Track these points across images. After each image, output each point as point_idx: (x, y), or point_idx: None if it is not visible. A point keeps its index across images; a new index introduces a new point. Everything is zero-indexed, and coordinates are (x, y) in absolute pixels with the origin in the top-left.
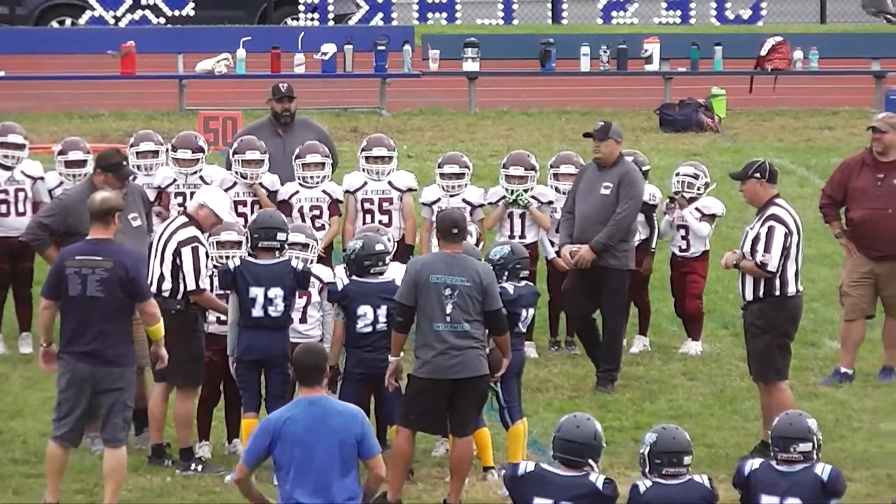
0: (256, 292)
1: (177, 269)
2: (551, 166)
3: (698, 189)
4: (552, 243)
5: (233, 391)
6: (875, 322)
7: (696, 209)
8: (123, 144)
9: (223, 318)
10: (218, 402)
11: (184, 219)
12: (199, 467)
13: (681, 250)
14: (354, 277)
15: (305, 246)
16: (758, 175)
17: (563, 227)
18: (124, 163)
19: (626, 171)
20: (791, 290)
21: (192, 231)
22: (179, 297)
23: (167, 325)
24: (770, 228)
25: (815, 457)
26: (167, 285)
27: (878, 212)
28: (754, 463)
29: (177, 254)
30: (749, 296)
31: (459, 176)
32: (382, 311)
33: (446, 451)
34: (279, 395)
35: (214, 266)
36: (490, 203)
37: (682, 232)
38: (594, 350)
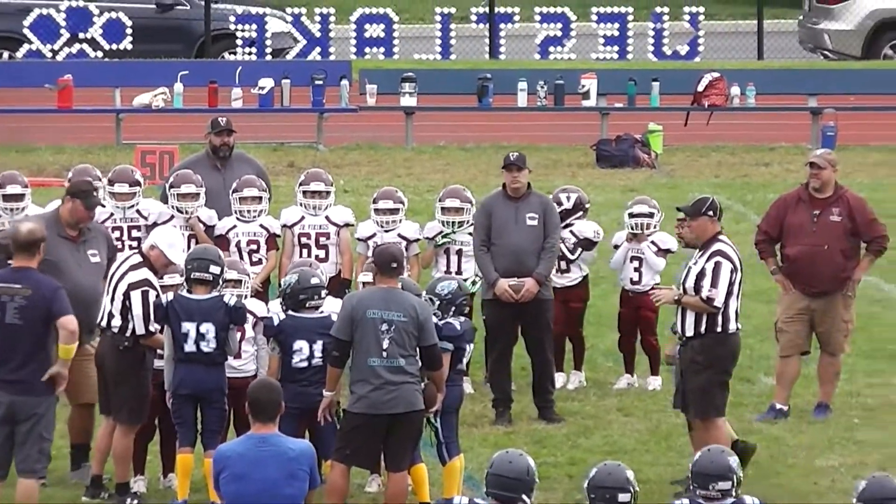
0: (188, 327)
1: (126, 309)
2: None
3: (653, 227)
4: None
5: (168, 425)
6: (810, 358)
7: (653, 243)
8: (61, 179)
9: (159, 351)
10: (153, 437)
11: (137, 258)
12: (135, 502)
13: (632, 282)
14: (290, 312)
15: (238, 282)
16: (710, 213)
17: (484, 261)
18: (94, 193)
19: (546, 200)
20: (732, 326)
21: (143, 273)
22: (128, 334)
23: (115, 362)
24: (717, 264)
25: (734, 494)
26: (116, 322)
27: (815, 248)
28: (684, 501)
29: (126, 296)
30: (689, 332)
31: (394, 211)
32: (318, 345)
33: (379, 486)
34: (215, 430)
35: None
36: (426, 238)
37: (636, 264)
38: (508, 382)
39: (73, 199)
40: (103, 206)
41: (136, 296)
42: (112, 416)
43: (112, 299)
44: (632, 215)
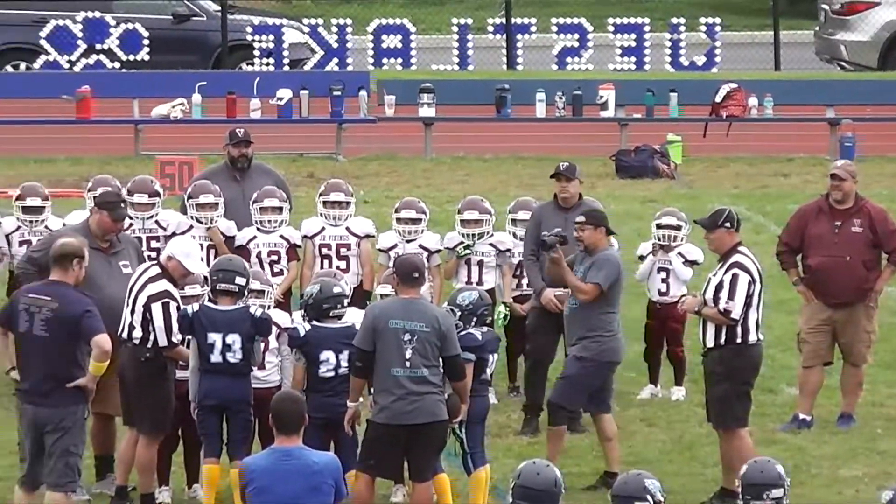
0: (214, 338)
1: (147, 321)
2: (510, 212)
3: (680, 238)
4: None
5: (192, 436)
6: (833, 368)
7: (680, 254)
8: (80, 189)
9: (181, 362)
10: (177, 448)
11: (156, 269)
12: None
13: (660, 293)
14: (314, 323)
15: (261, 293)
16: (727, 225)
17: (532, 270)
18: (122, 204)
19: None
20: (752, 337)
21: (162, 285)
22: (149, 345)
23: (137, 373)
24: (734, 276)
25: (784, 503)
26: (137, 334)
27: (836, 259)
28: None
29: (147, 308)
30: (710, 342)
31: (416, 221)
32: (344, 355)
33: (404, 496)
34: (241, 441)
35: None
36: (447, 248)
37: (663, 275)
38: (542, 391)
39: (101, 210)
40: (131, 217)
41: (156, 308)
42: (135, 427)
43: (132, 311)
44: (659, 226)
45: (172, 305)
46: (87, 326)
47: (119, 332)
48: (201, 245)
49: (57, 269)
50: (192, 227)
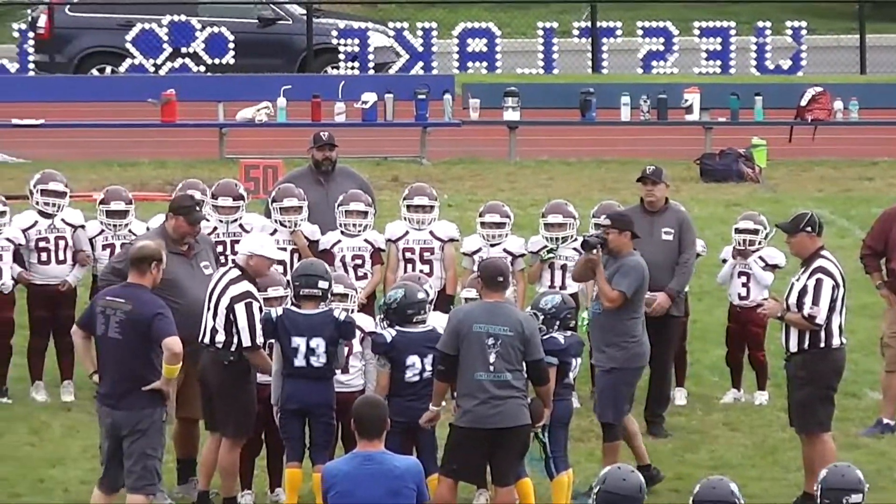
0: (298, 342)
1: (230, 323)
2: (593, 216)
3: (759, 243)
4: None
5: (275, 440)
6: None
7: (760, 258)
8: (164, 193)
9: (261, 368)
10: (260, 452)
11: (236, 272)
12: None
13: (740, 297)
14: (398, 327)
15: (344, 296)
16: (808, 229)
17: None
18: (197, 207)
19: (684, 216)
20: (835, 342)
21: (244, 286)
22: (233, 349)
23: (220, 377)
24: (818, 281)
25: None
26: (220, 338)
27: None
28: None
29: (230, 309)
30: (793, 347)
31: (500, 225)
32: (429, 360)
33: (486, 500)
34: (324, 445)
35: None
36: (531, 252)
37: (743, 279)
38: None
39: (176, 215)
40: (207, 220)
41: (240, 308)
42: (218, 430)
43: (214, 314)
44: (738, 231)
45: (255, 306)
46: (157, 329)
47: (200, 337)
48: (284, 248)
49: (134, 271)
50: (276, 230)
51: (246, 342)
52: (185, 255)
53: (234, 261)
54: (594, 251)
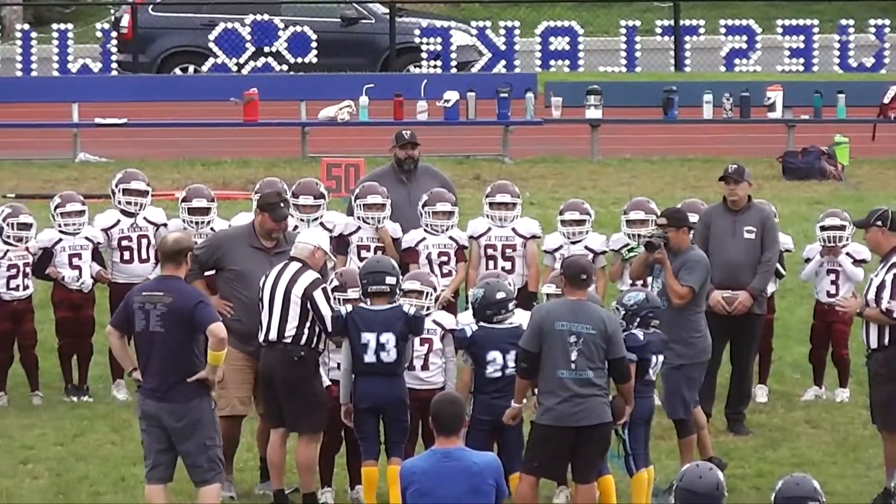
0: (368, 338)
1: (305, 314)
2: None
3: (846, 238)
4: None
5: (354, 438)
6: None
7: (848, 254)
8: (247, 192)
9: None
10: (339, 449)
11: (297, 264)
12: None
13: (828, 295)
14: (482, 323)
15: (420, 293)
16: (879, 223)
17: None
18: (282, 204)
19: (767, 215)
20: None
21: (313, 274)
22: (302, 342)
23: (289, 374)
24: None
25: None
26: (290, 332)
27: None
28: None
29: (307, 297)
30: (874, 344)
31: (580, 223)
32: (511, 356)
33: (567, 498)
34: (399, 442)
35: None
36: (612, 250)
37: (832, 276)
38: (711, 399)
39: (262, 212)
40: (292, 216)
41: (318, 295)
42: (290, 427)
43: (283, 309)
44: (823, 228)
45: (328, 290)
46: (201, 317)
47: (263, 336)
48: (368, 247)
49: (171, 264)
50: (359, 228)
51: (330, 328)
52: (265, 250)
53: (292, 256)
54: (658, 251)
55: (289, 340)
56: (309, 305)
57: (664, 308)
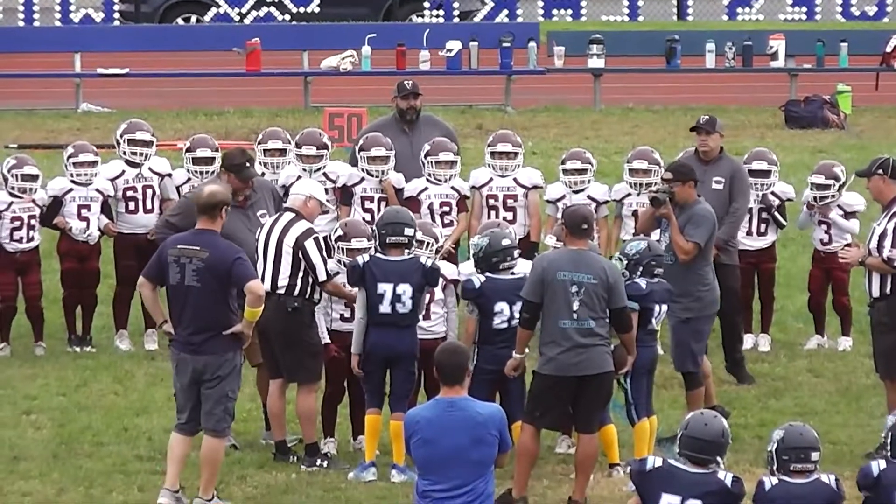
0: (385, 288)
1: (297, 264)
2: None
3: (832, 196)
4: None
5: (358, 389)
6: None
7: (839, 207)
8: (249, 142)
9: (346, 314)
10: (342, 400)
11: (290, 215)
12: (325, 463)
13: (822, 243)
14: (488, 274)
15: (421, 243)
16: (880, 171)
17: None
18: (247, 164)
19: (737, 166)
20: None
21: (305, 224)
22: (296, 293)
23: (284, 325)
24: None
25: None
26: (283, 282)
27: None
28: (881, 463)
29: (298, 247)
30: (876, 293)
31: (582, 171)
32: (517, 307)
33: (569, 447)
34: (403, 395)
35: (340, 262)
36: (615, 200)
37: (825, 227)
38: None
39: (227, 172)
40: (259, 175)
41: (310, 244)
42: (287, 378)
43: (276, 260)
44: (812, 186)
45: (321, 239)
46: (238, 273)
47: None
48: (372, 198)
49: (206, 217)
50: (362, 179)
51: (322, 276)
52: (240, 205)
53: (286, 206)
54: (664, 206)
55: (282, 291)
56: (301, 255)
57: (671, 262)
